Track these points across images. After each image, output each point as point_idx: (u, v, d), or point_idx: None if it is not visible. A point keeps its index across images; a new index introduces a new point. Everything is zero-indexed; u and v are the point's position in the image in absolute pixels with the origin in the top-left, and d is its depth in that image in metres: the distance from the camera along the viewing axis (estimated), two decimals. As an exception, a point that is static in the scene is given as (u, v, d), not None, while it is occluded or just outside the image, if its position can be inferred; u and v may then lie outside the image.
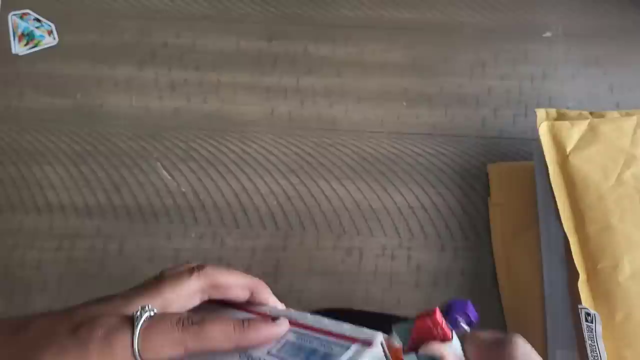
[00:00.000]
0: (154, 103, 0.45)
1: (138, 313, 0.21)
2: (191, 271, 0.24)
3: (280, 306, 0.26)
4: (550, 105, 0.44)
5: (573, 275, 0.33)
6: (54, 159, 0.44)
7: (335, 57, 0.46)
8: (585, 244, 0.33)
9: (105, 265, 0.41)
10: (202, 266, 0.24)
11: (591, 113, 0.37)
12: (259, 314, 0.24)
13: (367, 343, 0.21)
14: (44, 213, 0.42)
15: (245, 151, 0.44)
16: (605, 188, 0.34)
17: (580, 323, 0.31)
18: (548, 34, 0.46)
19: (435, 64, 0.45)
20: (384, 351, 0.21)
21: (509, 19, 0.47)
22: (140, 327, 0.20)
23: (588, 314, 0.30)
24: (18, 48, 0.47)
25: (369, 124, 0.44)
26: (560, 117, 0.37)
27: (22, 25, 0.47)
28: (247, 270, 0.41)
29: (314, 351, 0.22)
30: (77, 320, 0.21)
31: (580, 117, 0.36)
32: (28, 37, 0.47)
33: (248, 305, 0.25)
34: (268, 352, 0.22)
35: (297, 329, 0.23)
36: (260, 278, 0.41)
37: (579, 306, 0.31)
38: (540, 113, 0.37)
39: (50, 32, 0.47)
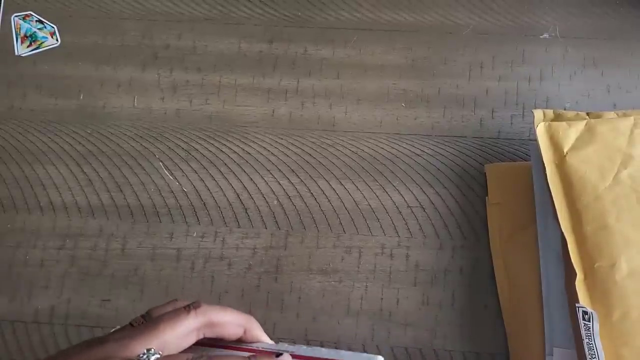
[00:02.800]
0: (156, 104, 0.45)
1: (144, 356, 0.20)
2: (188, 310, 0.23)
3: (271, 342, 0.25)
4: (547, 106, 0.44)
5: (570, 274, 0.33)
6: (56, 159, 0.44)
7: (335, 58, 0.46)
8: (583, 244, 0.33)
9: (108, 265, 0.41)
10: (197, 304, 0.24)
11: (588, 114, 0.37)
12: (252, 351, 0.24)
13: None
14: (47, 213, 0.43)
15: (246, 151, 0.44)
16: (602, 188, 0.34)
17: (578, 322, 0.31)
18: (545, 35, 0.46)
19: (433, 65, 0.46)
20: None
21: (507, 21, 0.47)
22: None
23: (585, 313, 0.31)
24: (21, 49, 0.47)
25: (368, 124, 0.44)
26: (558, 117, 0.37)
27: (25, 26, 0.48)
28: (248, 269, 0.41)
29: None
30: None
31: (578, 118, 0.37)
32: (31, 38, 0.47)
33: (238, 343, 0.25)
34: None
35: None
36: (261, 277, 0.41)
37: (577, 305, 0.31)
38: (538, 114, 0.37)
39: (52, 34, 0.47)
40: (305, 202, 0.42)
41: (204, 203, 0.43)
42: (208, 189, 0.43)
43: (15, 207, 0.43)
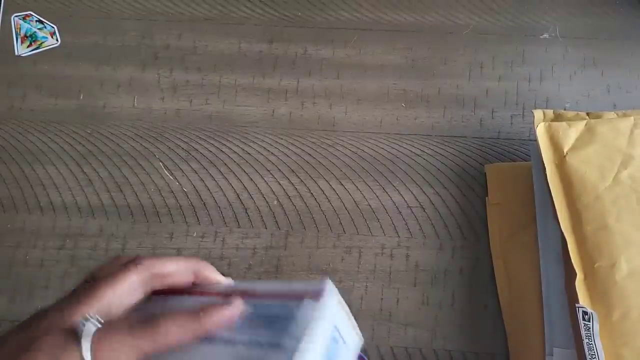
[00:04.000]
0: (156, 104, 0.45)
1: (82, 325, 0.19)
2: (127, 266, 0.22)
3: (227, 281, 0.24)
4: (547, 106, 0.44)
5: (570, 274, 0.33)
6: (57, 159, 0.44)
7: (335, 58, 0.46)
8: (583, 244, 0.33)
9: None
10: (138, 258, 0.23)
11: (588, 114, 0.37)
12: (209, 294, 0.23)
13: (318, 294, 0.21)
14: (47, 212, 0.43)
15: (246, 151, 0.44)
16: (602, 188, 0.34)
17: (578, 322, 0.31)
18: (545, 35, 0.46)
19: (433, 65, 0.46)
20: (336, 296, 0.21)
21: (507, 21, 0.47)
22: (89, 341, 0.18)
23: (585, 313, 0.31)
24: (21, 49, 0.47)
25: (368, 124, 0.44)
26: (558, 117, 0.37)
27: (25, 26, 0.48)
28: (248, 269, 0.41)
29: (273, 318, 0.21)
30: (12, 352, 0.18)
31: (578, 118, 0.37)
32: (31, 38, 0.47)
33: (195, 287, 0.24)
34: (229, 330, 0.21)
35: (251, 299, 0.22)
36: (261, 277, 0.41)
37: (577, 305, 0.31)
38: (538, 114, 0.37)
39: (52, 34, 0.47)
40: (305, 202, 0.42)
41: (204, 203, 0.43)
42: (208, 189, 0.43)
43: (15, 207, 0.43)
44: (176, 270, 0.23)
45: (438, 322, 0.39)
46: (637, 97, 0.45)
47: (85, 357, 0.18)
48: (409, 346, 0.39)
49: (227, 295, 0.22)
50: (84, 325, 0.19)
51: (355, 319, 0.23)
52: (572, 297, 0.33)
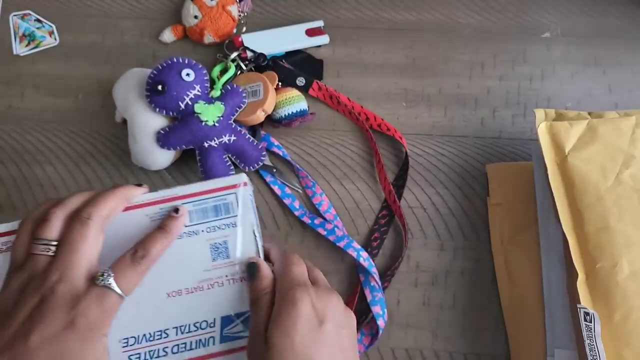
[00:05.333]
0: (154, 103, 0.45)
1: (103, 276, 0.27)
2: (83, 222, 0.28)
3: (145, 189, 0.31)
4: (549, 106, 0.44)
5: (572, 274, 0.33)
6: (55, 159, 0.44)
7: (335, 57, 0.46)
8: (584, 244, 0.33)
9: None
10: (84, 211, 0.28)
11: (590, 113, 0.37)
12: (145, 204, 0.31)
13: (246, 182, 0.31)
14: (45, 213, 0.43)
15: (245, 151, 0.44)
16: (604, 188, 0.34)
17: (579, 322, 0.31)
18: (547, 34, 0.46)
19: (434, 64, 0.45)
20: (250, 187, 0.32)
21: (508, 20, 0.47)
22: (113, 282, 0.27)
23: (587, 314, 0.31)
24: (19, 49, 0.47)
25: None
26: (559, 117, 0.37)
27: (23, 26, 0.47)
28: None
29: (214, 208, 0.31)
30: (64, 306, 0.26)
31: (579, 118, 0.36)
32: (29, 37, 0.47)
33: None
34: (186, 226, 0.30)
35: (187, 200, 0.31)
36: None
37: (578, 306, 0.31)
38: (539, 113, 0.37)
39: (51, 33, 0.47)
40: (305, 202, 0.42)
41: (204, 203, 0.42)
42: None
43: (13, 207, 0.43)
44: (116, 205, 0.30)
45: (439, 323, 0.39)
46: (639, 96, 0.44)
47: (117, 291, 0.27)
48: (410, 347, 0.39)
49: (161, 203, 0.30)
50: (103, 275, 0.27)
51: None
52: (574, 298, 0.33)
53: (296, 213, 0.41)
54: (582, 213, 0.33)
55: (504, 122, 0.44)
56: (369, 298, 0.38)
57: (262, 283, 0.29)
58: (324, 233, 0.39)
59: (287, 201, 0.42)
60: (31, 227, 0.28)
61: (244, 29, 0.46)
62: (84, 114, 0.45)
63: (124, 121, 0.43)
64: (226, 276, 0.30)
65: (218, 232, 0.30)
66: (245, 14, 0.47)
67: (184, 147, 0.40)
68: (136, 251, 0.28)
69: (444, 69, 0.45)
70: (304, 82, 0.44)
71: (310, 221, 0.40)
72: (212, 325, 0.29)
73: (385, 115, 0.44)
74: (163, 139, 0.39)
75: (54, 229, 0.28)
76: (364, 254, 0.38)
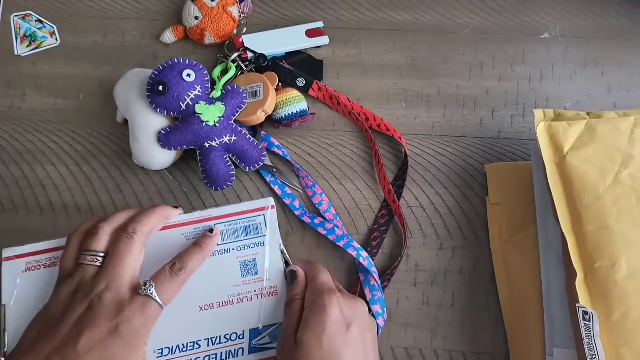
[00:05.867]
0: (155, 104, 0.45)
1: (145, 286, 0.29)
2: (129, 237, 0.30)
3: (183, 215, 0.34)
4: (547, 106, 0.44)
5: (571, 274, 0.33)
6: (56, 159, 0.44)
7: (335, 58, 0.46)
8: (583, 244, 0.33)
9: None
10: (130, 226, 0.31)
11: (589, 113, 0.37)
12: (180, 225, 0.33)
13: (273, 206, 0.34)
14: (47, 213, 0.43)
15: (245, 151, 0.44)
16: (602, 188, 0.34)
17: (578, 322, 0.31)
18: (545, 35, 0.46)
19: (433, 65, 0.46)
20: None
21: (507, 21, 0.47)
22: (154, 292, 0.29)
23: (586, 313, 0.31)
24: (20, 49, 0.47)
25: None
26: (558, 117, 0.37)
27: (25, 26, 0.48)
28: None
29: (244, 229, 0.33)
30: (110, 314, 0.28)
31: (578, 118, 0.37)
32: (30, 38, 0.47)
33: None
34: (218, 245, 0.33)
35: (220, 221, 0.33)
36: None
37: (577, 305, 0.31)
38: (538, 113, 0.37)
39: (52, 34, 0.47)
40: (305, 202, 0.42)
41: (204, 203, 0.43)
42: (208, 189, 0.43)
43: (15, 207, 0.43)
44: (157, 223, 0.32)
45: (438, 322, 0.39)
46: (637, 96, 0.45)
47: (158, 300, 0.29)
48: (409, 346, 0.39)
49: (195, 223, 0.33)
50: (145, 285, 0.29)
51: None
52: (573, 297, 0.33)
53: (296, 213, 0.41)
54: (581, 213, 0.33)
55: (503, 122, 0.44)
56: (368, 297, 0.38)
57: (297, 289, 0.32)
58: (324, 233, 0.39)
59: (287, 201, 0.42)
60: (80, 239, 0.31)
61: (245, 29, 0.46)
62: (85, 114, 0.45)
63: (125, 121, 0.43)
64: (254, 291, 0.32)
65: (248, 250, 0.33)
66: (246, 14, 0.47)
67: (185, 147, 0.40)
68: (174, 264, 0.30)
69: (444, 69, 0.46)
70: (304, 82, 0.44)
71: (310, 221, 0.40)
72: (241, 337, 0.31)
73: (385, 116, 0.44)
74: (164, 139, 0.39)
75: (101, 241, 0.30)
76: (364, 253, 0.39)
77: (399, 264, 0.40)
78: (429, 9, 0.47)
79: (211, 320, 0.31)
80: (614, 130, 0.35)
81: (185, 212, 0.34)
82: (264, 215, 0.33)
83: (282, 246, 0.33)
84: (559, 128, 0.36)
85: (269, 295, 0.32)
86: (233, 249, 0.33)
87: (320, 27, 0.46)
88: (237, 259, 0.33)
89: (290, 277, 0.33)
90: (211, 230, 0.33)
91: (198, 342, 0.31)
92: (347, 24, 0.47)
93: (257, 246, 0.33)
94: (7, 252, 0.33)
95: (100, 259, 0.30)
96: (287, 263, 0.34)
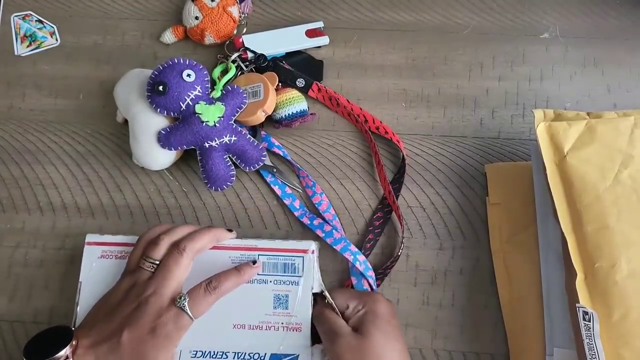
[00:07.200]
0: (155, 104, 0.45)
1: (180, 299, 0.33)
2: (180, 253, 0.34)
3: (233, 235, 0.38)
4: (547, 106, 0.44)
5: (571, 274, 0.33)
6: (56, 159, 0.44)
7: (335, 58, 0.46)
8: (583, 244, 0.33)
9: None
10: (182, 243, 0.35)
11: (589, 113, 0.37)
12: (228, 248, 0.37)
13: (313, 250, 0.37)
14: (46, 213, 0.43)
15: (245, 151, 0.44)
16: (602, 188, 0.34)
17: (578, 322, 0.31)
18: (545, 35, 0.46)
19: (433, 65, 0.46)
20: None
21: (507, 21, 0.47)
22: (187, 306, 0.32)
23: (586, 313, 0.31)
24: (20, 49, 0.47)
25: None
26: (558, 117, 0.37)
27: (25, 26, 0.48)
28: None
29: (283, 265, 0.37)
30: (147, 324, 0.32)
31: (578, 118, 0.37)
32: (30, 38, 0.47)
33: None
34: (258, 274, 0.37)
35: (264, 253, 0.37)
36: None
37: (577, 305, 0.31)
38: (538, 113, 0.37)
39: (52, 34, 0.47)
40: (305, 202, 0.42)
41: (204, 203, 0.43)
42: (208, 189, 0.43)
43: (14, 207, 0.43)
44: (208, 244, 0.36)
45: (438, 322, 0.39)
46: (637, 96, 0.45)
47: (189, 313, 0.32)
48: (409, 346, 0.39)
49: (243, 250, 0.37)
50: (181, 298, 0.33)
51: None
52: (573, 297, 0.33)
53: (296, 213, 0.41)
54: (581, 213, 0.33)
55: (503, 122, 0.44)
56: None
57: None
58: (322, 235, 0.39)
59: (287, 201, 0.42)
60: (145, 245, 0.36)
61: (245, 29, 0.47)
62: (85, 115, 0.45)
63: (125, 121, 0.43)
64: (282, 323, 0.36)
65: (283, 286, 0.36)
66: (246, 14, 0.47)
67: (185, 147, 0.40)
68: (210, 282, 0.34)
69: (443, 69, 0.46)
70: (304, 83, 0.44)
71: (309, 222, 0.40)
72: (262, 358, 0.35)
73: (385, 116, 0.44)
74: (164, 139, 0.39)
75: (159, 252, 0.35)
76: (361, 257, 0.38)
77: (391, 264, 0.40)
78: (429, 9, 0.47)
79: (241, 338, 0.36)
80: (614, 130, 0.35)
81: (238, 237, 0.38)
82: (303, 257, 0.37)
83: (323, 286, 0.37)
84: (559, 128, 0.36)
85: (293, 330, 0.36)
86: (270, 281, 0.36)
87: (320, 27, 0.46)
88: (272, 291, 0.36)
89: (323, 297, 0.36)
90: (254, 262, 0.36)
91: (226, 353, 0.35)
92: (347, 24, 0.47)
93: (292, 284, 0.36)
94: (90, 238, 0.38)
95: (155, 266, 0.34)
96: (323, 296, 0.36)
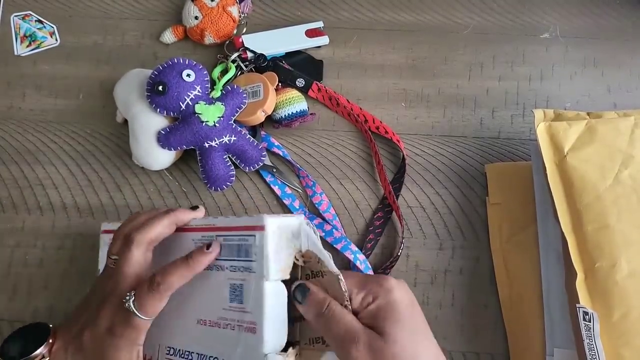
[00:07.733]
0: (155, 104, 0.45)
1: (127, 299, 0.29)
2: (129, 246, 0.31)
3: (198, 213, 0.33)
4: (548, 106, 0.44)
5: (571, 274, 0.33)
6: (56, 159, 0.44)
7: (335, 58, 0.46)
8: (583, 244, 0.33)
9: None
10: (131, 240, 0.31)
11: (589, 113, 0.37)
12: (192, 229, 0.32)
13: (262, 227, 0.28)
14: (46, 212, 0.43)
15: (245, 151, 0.44)
16: (602, 188, 0.34)
17: (579, 322, 0.31)
18: (546, 35, 0.46)
19: (433, 65, 0.46)
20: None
21: (507, 21, 0.47)
22: (133, 305, 0.29)
23: (586, 313, 0.31)
24: (20, 49, 0.47)
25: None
26: (558, 117, 0.37)
27: (24, 26, 0.48)
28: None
29: (237, 247, 0.29)
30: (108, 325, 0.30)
31: (578, 118, 0.37)
32: (30, 38, 0.47)
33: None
34: (217, 259, 0.30)
35: (217, 232, 0.30)
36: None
37: (577, 305, 0.31)
38: (538, 113, 0.37)
39: (52, 34, 0.47)
40: (305, 202, 0.42)
41: (204, 203, 0.43)
42: (208, 189, 0.43)
43: (14, 207, 0.43)
44: (161, 232, 0.32)
45: (438, 322, 0.39)
46: (637, 96, 0.45)
47: (137, 314, 0.29)
48: (409, 346, 0.39)
49: (204, 231, 0.31)
50: (127, 298, 0.29)
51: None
52: (573, 297, 0.33)
53: (296, 214, 0.41)
54: (581, 213, 0.33)
55: (503, 122, 0.44)
56: None
57: (320, 294, 0.28)
58: (322, 234, 0.39)
59: (287, 201, 0.42)
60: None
61: (244, 29, 0.47)
62: (85, 115, 0.45)
63: (125, 121, 0.43)
64: (237, 321, 0.28)
65: (237, 273, 0.28)
66: (246, 14, 0.47)
67: (185, 147, 0.40)
68: (154, 278, 0.29)
69: (444, 69, 0.45)
70: (304, 83, 0.44)
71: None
72: None
73: (385, 116, 0.44)
74: (164, 139, 0.39)
75: (116, 247, 0.32)
76: (361, 256, 0.38)
77: (391, 264, 0.40)
78: (429, 9, 0.47)
79: (204, 336, 0.30)
80: (614, 131, 0.35)
81: (202, 214, 0.33)
82: (255, 236, 0.28)
83: (335, 268, 0.28)
84: (559, 128, 0.36)
85: (247, 330, 0.27)
86: (226, 267, 0.29)
87: (320, 27, 0.46)
88: (228, 280, 0.29)
89: (301, 292, 0.29)
90: (208, 246, 0.29)
91: (191, 353, 0.30)
92: (347, 24, 0.47)
93: (246, 271, 0.28)
94: (104, 226, 0.37)
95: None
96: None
